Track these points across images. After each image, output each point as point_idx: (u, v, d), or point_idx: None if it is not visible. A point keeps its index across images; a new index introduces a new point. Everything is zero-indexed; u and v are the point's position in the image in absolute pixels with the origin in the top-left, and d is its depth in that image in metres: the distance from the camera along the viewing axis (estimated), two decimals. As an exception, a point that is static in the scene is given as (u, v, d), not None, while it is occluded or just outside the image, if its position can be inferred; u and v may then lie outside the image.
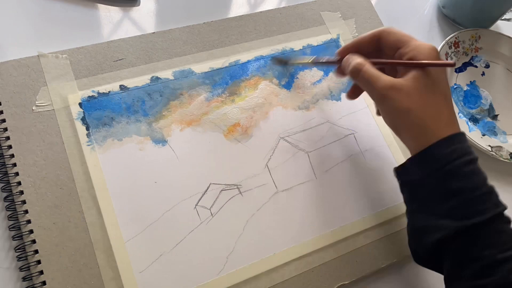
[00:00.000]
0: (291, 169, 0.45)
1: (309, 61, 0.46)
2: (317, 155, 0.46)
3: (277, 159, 0.45)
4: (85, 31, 0.48)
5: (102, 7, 0.50)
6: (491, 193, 0.35)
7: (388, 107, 0.37)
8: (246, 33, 0.51)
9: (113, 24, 0.50)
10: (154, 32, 0.48)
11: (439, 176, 0.35)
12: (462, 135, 0.36)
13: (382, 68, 0.41)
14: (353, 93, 0.47)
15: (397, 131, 0.39)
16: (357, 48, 0.41)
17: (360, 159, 0.47)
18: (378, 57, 0.40)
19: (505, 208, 0.34)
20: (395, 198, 0.46)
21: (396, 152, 0.49)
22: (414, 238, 0.38)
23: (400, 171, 0.40)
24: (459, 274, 0.34)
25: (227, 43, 0.50)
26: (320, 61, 0.45)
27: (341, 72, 0.44)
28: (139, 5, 0.52)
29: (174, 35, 0.49)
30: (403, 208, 0.46)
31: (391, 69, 0.41)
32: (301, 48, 0.52)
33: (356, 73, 0.39)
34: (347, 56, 0.41)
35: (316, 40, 0.53)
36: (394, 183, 0.47)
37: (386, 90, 0.36)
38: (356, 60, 0.39)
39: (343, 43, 0.54)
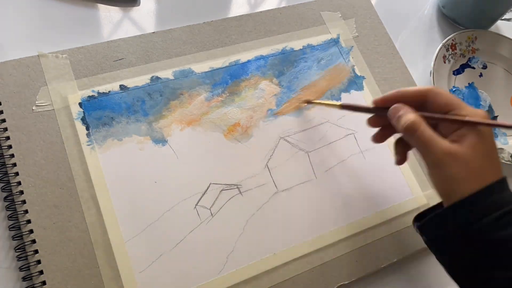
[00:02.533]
0: (291, 169, 0.45)
1: (337, 104, 0.43)
2: (317, 155, 0.46)
3: (277, 159, 0.45)
4: (85, 31, 0.48)
5: (102, 7, 0.50)
6: None
7: (443, 173, 0.35)
8: (246, 33, 0.51)
9: (113, 24, 0.50)
10: (154, 32, 0.48)
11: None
12: (504, 179, 0.36)
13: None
14: (382, 137, 0.43)
15: (446, 194, 0.36)
16: (399, 100, 0.38)
17: (360, 159, 0.47)
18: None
19: None
20: (395, 198, 0.46)
21: (396, 152, 0.49)
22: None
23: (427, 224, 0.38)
24: None
25: (227, 43, 0.50)
26: (351, 105, 0.43)
27: (376, 122, 0.42)
28: (139, 5, 0.52)
29: (174, 35, 0.49)
30: (402, 207, 0.46)
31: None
32: (301, 48, 0.52)
33: (411, 132, 0.36)
34: (396, 106, 0.38)
35: (316, 40, 0.53)
36: (394, 183, 0.47)
37: (444, 156, 0.35)
38: (410, 116, 0.36)
39: (343, 43, 0.54)
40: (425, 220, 0.37)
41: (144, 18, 0.51)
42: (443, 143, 0.35)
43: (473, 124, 0.36)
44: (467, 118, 0.36)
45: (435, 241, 0.37)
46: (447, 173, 0.35)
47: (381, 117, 0.40)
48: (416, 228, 0.39)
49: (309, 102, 0.48)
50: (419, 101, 0.38)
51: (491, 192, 0.34)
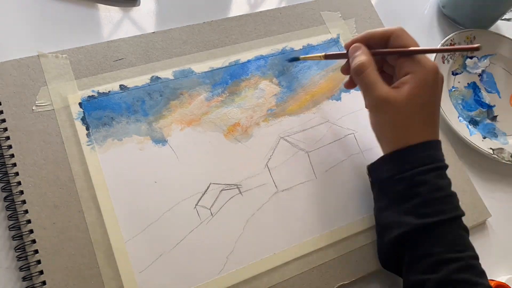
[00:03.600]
0: (291, 169, 0.45)
1: (321, 56, 0.46)
2: (317, 155, 0.46)
3: (277, 159, 0.45)
4: (85, 31, 0.48)
5: (102, 7, 0.50)
6: (453, 197, 0.38)
7: (376, 117, 0.39)
8: (246, 33, 0.51)
9: (113, 24, 0.50)
10: (154, 32, 0.48)
11: (407, 176, 0.37)
12: (438, 142, 0.39)
13: (383, 71, 0.42)
14: (352, 83, 0.46)
15: (379, 133, 0.40)
16: (365, 41, 0.41)
17: (360, 159, 0.47)
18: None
19: (463, 214, 0.37)
20: (395, 198, 0.46)
21: (396, 152, 0.49)
22: (380, 235, 0.40)
23: (372, 168, 0.41)
24: (412, 268, 0.36)
25: (227, 43, 0.50)
26: (332, 54, 0.45)
27: (348, 69, 0.43)
28: (139, 5, 0.52)
29: (174, 35, 0.49)
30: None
31: (389, 77, 0.42)
32: (301, 48, 0.52)
33: (358, 73, 0.39)
34: (354, 46, 0.41)
35: (316, 40, 0.53)
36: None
37: (379, 101, 0.38)
38: (361, 57, 0.39)
39: (343, 43, 0.54)
40: (372, 164, 0.41)
41: (144, 18, 0.51)
42: (383, 88, 0.37)
43: (410, 53, 0.38)
44: (409, 49, 0.38)
45: (376, 182, 0.41)
46: (380, 117, 0.38)
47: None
48: (367, 171, 0.42)
49: (295, 58, 0.49)
50: (385, 41, 0.41)
51: (428, 148, 0.38)
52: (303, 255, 0.42)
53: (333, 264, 0.42)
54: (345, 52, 0.43)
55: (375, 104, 0.39)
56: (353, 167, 0.47)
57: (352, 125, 0.49)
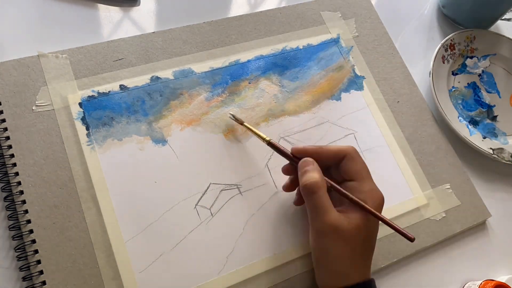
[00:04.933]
0: (291, 169, 0.45)
1: (265, 138, 0.41)
2: (317, 155, 0.46)
3: (277, 159, 0.45)
4: (85, 31, 0.48)
5: (102, 7, 0.50)
6: None
7: (320, 244, 0.37)
8: (246, 33, 0.51)
9: (113, 24, 0.50)
10: (154, 32, 0.48)
11: None
12: (372, 282, 0.37)
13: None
14: (292, 187, 0.42)
15: (320, 260, 0.37)
16: (317, 156, 0.39)
17: (360, 159, 0.47)
18: (334, 172, 0.40)
19: None
20: (395, 198, 0.46)
21: (396, 151, 0.49)
22: None
23: None
24: None
25: (227, 43, 0.50)
26: (275, 145, 0.41)
27: (290, 171, 0.41)
28: (139, 5, 0.52)
29: (174, 35, 0.49)
30: (402, 207, 0.46)
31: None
32: (301, 48, 0.52)
33: (309, 192, 0.36)
34: (306, 160, 0.38)
35: (316, 39, 0.53)
36: (394, 183, 0.47)
37: (328, 227, 0.35)
38: (314, 175, 0.37)
39: (343, 43, 0.54)
40: None
41: (144, 18, 0.51)
42: (333, 214, 0.36)
43: (359, 206, 0.37)
44: (359, 201, 0.36)
45: None
46: (326, 246, 0.36)
47: (295, 167, 0.40)
48: None
49: (239, 121, 0.44)
50: (337, 161, 0.39)
51: None
52: (304, 255, 0.41)
53: (333, 264, 0.42)
54: (289, 153, 0.40)
55: (322, 230, 0.36)
56: (353, 167, 0.47)
57: (352, 125, 0.49)
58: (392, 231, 0.44)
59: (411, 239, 0.36)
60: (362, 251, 0.37)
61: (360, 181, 0.38)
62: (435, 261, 0.46)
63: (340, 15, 0.56)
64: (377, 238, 0.43)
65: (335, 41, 0.54)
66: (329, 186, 0.38)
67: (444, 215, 0.47)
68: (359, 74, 0.52)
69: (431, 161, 0.49)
